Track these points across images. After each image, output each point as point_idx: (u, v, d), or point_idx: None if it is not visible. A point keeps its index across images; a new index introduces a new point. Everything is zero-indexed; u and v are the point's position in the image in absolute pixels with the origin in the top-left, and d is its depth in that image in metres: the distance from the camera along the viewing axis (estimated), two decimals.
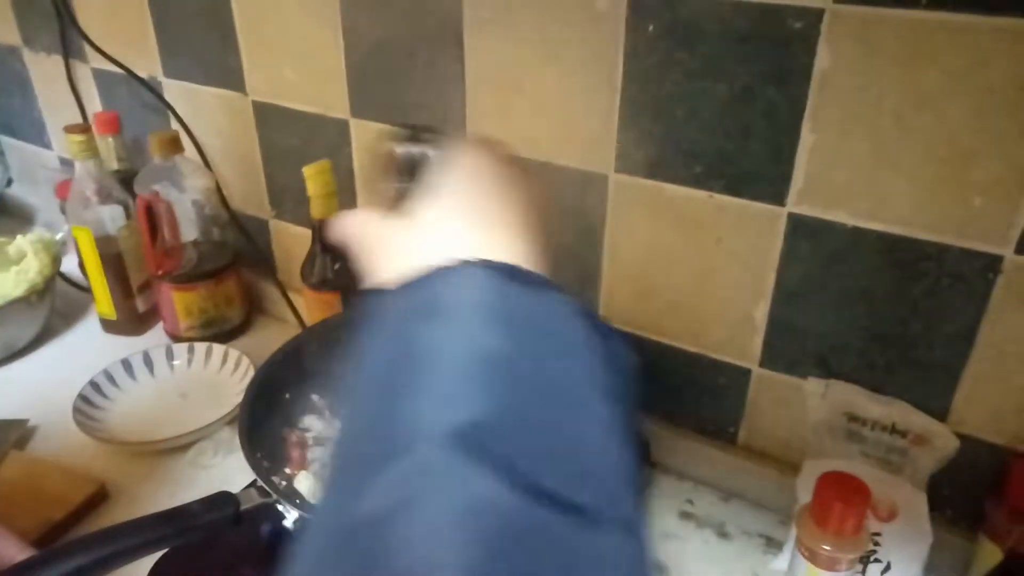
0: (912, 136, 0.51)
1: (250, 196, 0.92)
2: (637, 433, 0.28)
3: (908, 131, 0.51)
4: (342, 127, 0.80)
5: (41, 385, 0.84)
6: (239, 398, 0.77)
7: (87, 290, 0.94)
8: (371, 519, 0.22)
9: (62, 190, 0.97)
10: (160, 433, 0.74)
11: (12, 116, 1.18)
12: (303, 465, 0.64)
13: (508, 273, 0.28)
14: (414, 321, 0.27)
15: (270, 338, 0.90)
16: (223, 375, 0.84)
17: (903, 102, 0.51)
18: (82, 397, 0.78)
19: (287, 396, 0.65)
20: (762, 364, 0.65)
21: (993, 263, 0.52)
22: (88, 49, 0.96)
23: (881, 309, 0.57)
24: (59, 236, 0.99)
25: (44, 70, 1.06)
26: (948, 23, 0.47)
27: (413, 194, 0.34)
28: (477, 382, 0.24)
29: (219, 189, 0.91)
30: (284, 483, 0.55)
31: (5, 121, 1.20)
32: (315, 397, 0.67)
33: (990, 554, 0.55)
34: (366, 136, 0.79)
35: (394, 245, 0.32)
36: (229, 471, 0.71)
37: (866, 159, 0.53)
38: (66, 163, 1.14)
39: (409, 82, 0.72)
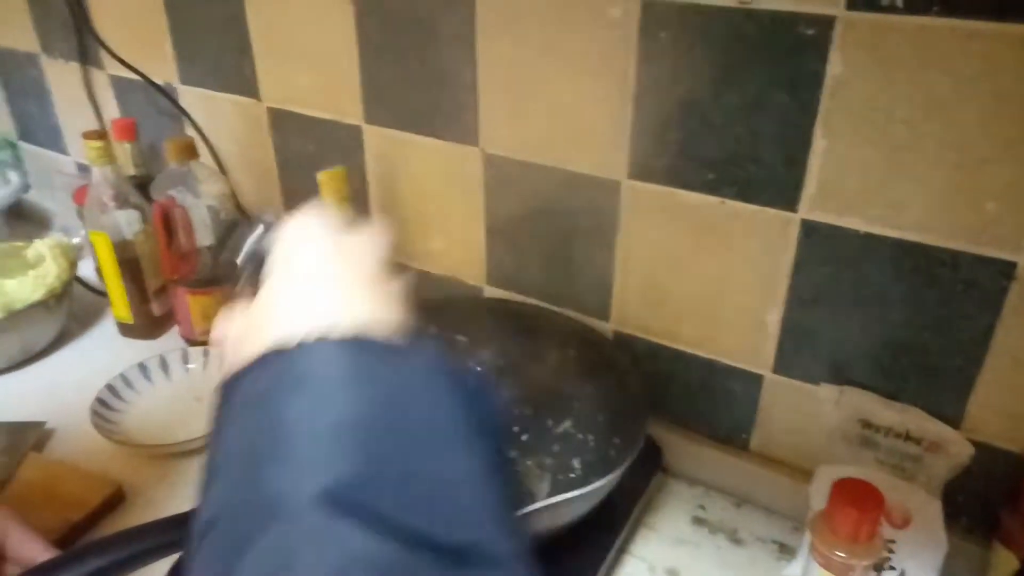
0: (924, 142, 0.51)
1: (265, 201, 0.93)
2: (510, 471, 0.30)
3: (920, 137, 0.51)
4: (355, 133, 0.80)
5: (58, 388, 0.85)
6: None
7: (103, 294, 0.95)
8: None
9: (79, 195, 0.98)
10: (176, 436, 0.75)
11: (30, 122, 1.20)
12: None
13: (359, 342, 0.28)
14: (272, 395, 0.27)
15: None
16: None
17: (914, 108, 0.51)
18: (99, 400, 0.79)
19: None
20: (775, 370, 0.65)
21: (1007, 269, 0.52)
22: (105, 56, 0.98)
23: (894, 315, 0.57)
24: (76, 241, 1.00)
25: (62, 77, 1.08)
26: (959, 29, 0.48)
27: (261, 282, 0.35)
28: (339, 446, 0.25)
29: (234, 194, 0.92)
30: None
31: (23, 127, 1.22)
32: None
33: (1005, 562, 0.55)
34: (380, 142, 0.79)
35: (251, 331, 0.32)
36: None
37: (878, 165, 0.53)
38: (83, 169, 1.16)
39: (422, 88, 0.73)
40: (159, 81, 0.94)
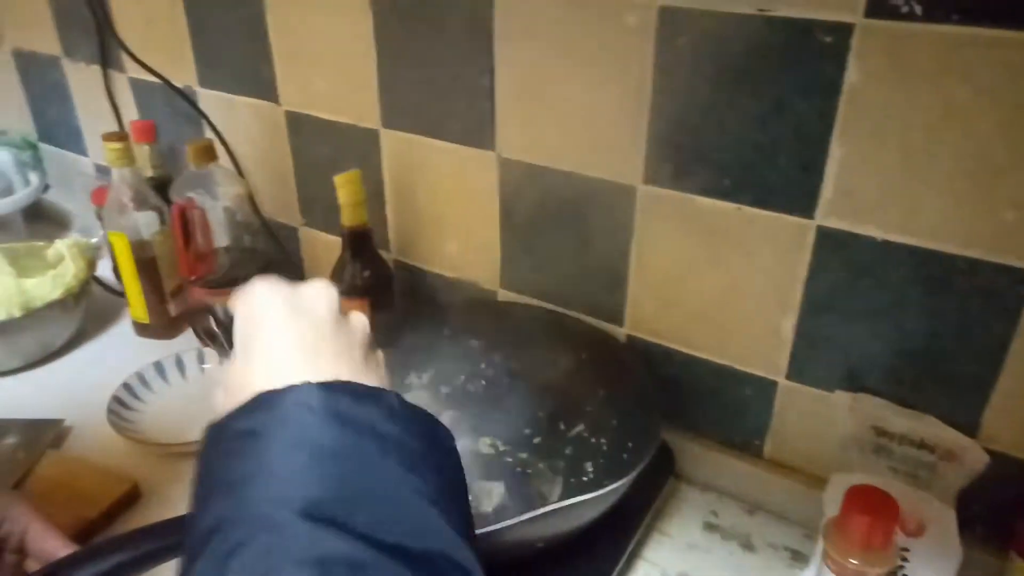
0: (942, 150, 0.51)
1: (281, 204, 0.94)
2: (466, 496, 0.35)
3: (938, 145, 0.51)
4: (372, 137, 0.81)
5: (76, 386, 0.86)
6: None
7: (120, 294, 0.96)
8: None
9: (98, 196, 0.99)
10: (191, 435, 0.75)
11: (51, 124, 1.22)
12: None
13: (330, 387, 0.33)
14: (258, 430, 0.31)
15: None
16: None
17: (933, 116, 0.51)
18: (115, 398, 0.79)
19: None
20: (789, 376, 0.65)
21: None
22: (126, 59, 0.99)
23: (910, 323, 0.57)
24: (94, 241, 1.01)
25: (83, 79, 1.09)
26: (979, 38, 0.48)
27: (230, 347, 0.39)
28: (318, 471, 0.30)
29: (251, 197, 0.93)
30: None
31: (44, 129, 1.24)
32: None
33: (1021, 572, 0.54)
34: (396, 146, 0.80)
35: (233, 387, 0.35)
36: None
37: (896, 173, 0.54)
38: (101, 170, 1.17)
39: (439, 93, 0.74)
40: (179, 84, 0.95)
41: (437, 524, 0.30)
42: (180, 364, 0.86)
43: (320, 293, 0.39)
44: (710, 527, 0.68)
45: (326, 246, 0.92)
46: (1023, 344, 0.53)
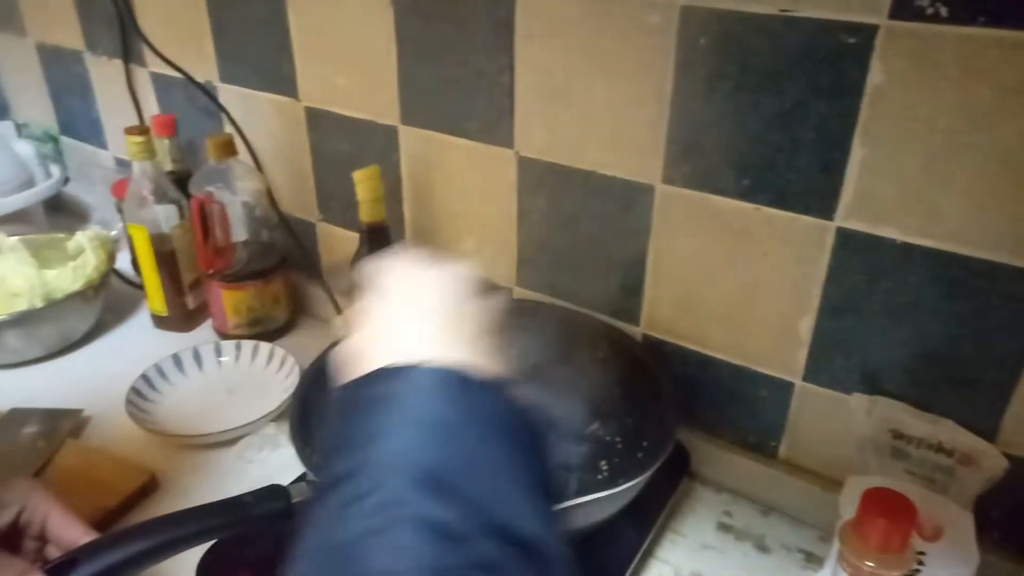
0: (965, 153, 0.51)
1: (299, 199, 0.95)
2: (559, 490, 0.36)
3: (961, 148, 0.51)
4: (391, 133, 0.81)
5: (95, 377, 0.87)
6: (284, 395, 0.79)
7: (139, 287, 0.97)
8: (353, 539, 0.28)
9: (118, 189, 1.00)
10: (208, 427, 0.76)
11: (72, 117, 1.23)
12: None
13: (455, 368, 0.34)
14: (383, 400, 0.34)
15: (314, 338, 0.92)
16: (268, 373, 0.86)
17: (956, 118, 0.51)
18: (134, 390, 0.80)
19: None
20: (806, 378, 0.64)
21: None
22: (147, 54, 1.00)
23: (930, 326, 0.57)
24: (114, 233, 1.02)
25: (104, 73, 1.10)
26: (1005, 40, 0.47)
27: (370, 308, 0.40)
28: (433, 440, 0.31)
29: (269, 192, 0.93)
30: None
31: (65, 122, 1.25)
32: None
33: None
34: (414, 143, 0.80)
35: (362, 352, 0.37)
36: (274, 466, 0.73)
37: (918, 175, 0.53)
38: (121, 163, 1.18)
39: (459, 90, 0.74)
40: (199, 79, 0.96)
41: (538, 512, 0.32)
42: (198, 357, 0.87)
43: (459, 274, 0.40)
44: (724, 527, 0.68)
45: (343, 242, 0.92)
46: None
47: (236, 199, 0.88)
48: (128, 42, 1.03)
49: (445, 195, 0.81)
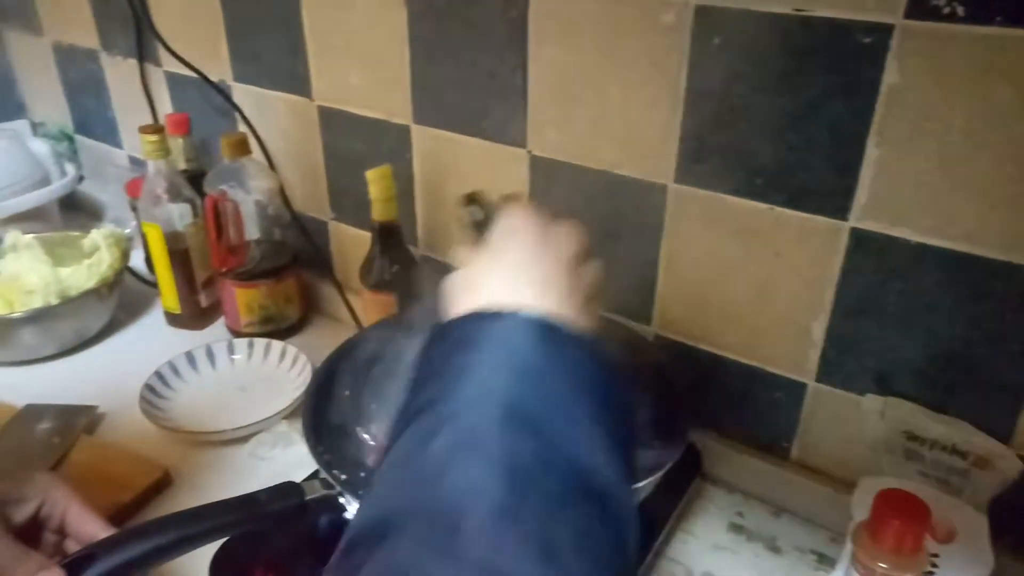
0: (982, 153, 0.51)
1: (311, 198, 0.95)
2: (636, 450, 0.37)
3: (978, 148, 0.51)
4: (403, 133, 0.82)
5: (109, 373, 0.88)
6: (296, 393, 0.80)
7: (153, 284, 0.98)
8: (438, 454, 0.31)
9: (133, 187, 1.01)
10: (221, 424, 0.77)
11: (87, 116, 1.24)
12: None
13: (550, 319, 0.36)
14: (477, 339, 0.36)
15: (325, 336, 0.92)
16: (280, 371, 0.87)
17: (973, 119, 0.50)
18: (148, 386, 0.81)
19: (346, 393, 0.67)
20: (818, 379, 0.64)
21: None
22: (162, 53, 1.01)
23: (944, 327, 0.56)
24: (127, 231, 1.03)
25: (119, 73, 1.11)
26: (1023, 40, 0.47)
27: (476, 243, 0.44)
28: (520, 380, 0.34)
29: (282, 191, 0.94)
30: (344, 476, 0.57)
31: (80, 120, 1.26)
32: (373, 406, 0.68)
33: None
34: (427, 142, 0.80)
35: (468, 289, 0.40)
36: (286, 464, 0.73)
37: (933, 175, 0.53)
38: (135, 161, 1.19)
39: (472, 90, 0.74)
40: (214, 78, 0.96)
41: (611, 464, 0.33)
42: (210, 354, 0.87)
43: (570, 234, 0.43)
44: (735, 528, 0.67)
45: (355, 240, 0.93)
46: None
47: (249, 198, 0.89)
48: (143, 42, 1.03)
49: (458, 194, 0.81)
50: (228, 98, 0.96)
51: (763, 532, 0.67)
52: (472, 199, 0.48)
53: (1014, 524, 0.58)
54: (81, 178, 1.24)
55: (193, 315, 0.96)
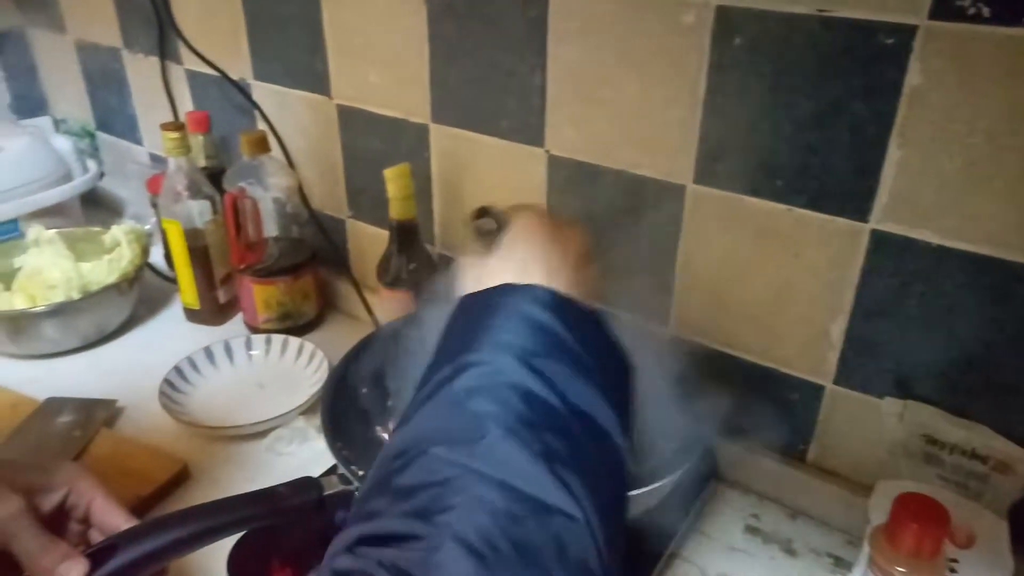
0: (1005, 155, 0.50)
1: (330, 196, 0.96)
2: (630, 400, 0.42)
3: (1001, 150, 0.50)
4: (422, 132, 0.82)
5: (129, 368, 0.89)
6: (313, 389, 0.80)
7: (172, 280, 0.99)
8: (460, 390, 0.37)
9: (153, 184, 1.02)
10: (239, 419, 0.77)
11: (108, 113, 1.25)
12: None
13: (560, 293, 0.41)
14: (493, 307, 0.41)
15: (342, 334, 0.93)
16: (298, 367, 0.87)
17: (997, 120, 0.50)
18: (167, 381, 0.82)
19: (363, 390, 0.67)
20: (837, 381, 0.64)
21: None
22: (182, 51, 1.02)
23: (965, 330, 0.56)
24: (147, 228, 1.04)
25: (140, 70, 1.12)
26: None
27: (487, 250, 0.47)
28: (535, 336, 0.39)
29: (301, 188, 0.94)
30: (362, 472, 0.57)
31: (102, 117, 1.28)
32: (390, 403, 0.69)
33: None
34: (445, 141, 0.81)
35: (486, 273, 0.45)
36: (303, 459, 0.74)
37: (955, 177, 0.53)
38: (155, 158, 1.20)
39: (490, 89, 0.74)
40: (234, 76, 0.97)
41: (612, 413, 0.38)
42: (229, 350, 0.88)
43: (576, 237, 0.48)
44: (751, 530, 0.67)
45: (372, 239, 0.93)
46: None
47: (268, 195, 0.89)
48: (164, 40, 1.04)
49: (475, 193, 0.81)
50: (248, 96, 0.97)
51: (779, 534, 0.67)
52: (484, 212, 0.52)
53: None
54: (102, 175, 1.25)
55: (212, 311, 0.97)
